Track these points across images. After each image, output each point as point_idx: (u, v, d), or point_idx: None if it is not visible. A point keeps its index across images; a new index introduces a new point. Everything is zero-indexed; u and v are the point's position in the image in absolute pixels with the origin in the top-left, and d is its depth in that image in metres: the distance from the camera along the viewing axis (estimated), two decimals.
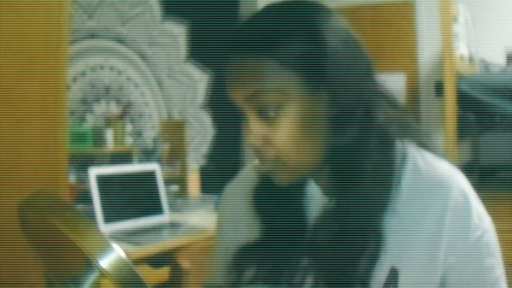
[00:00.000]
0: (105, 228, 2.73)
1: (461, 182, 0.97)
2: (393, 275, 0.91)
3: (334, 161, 0.95)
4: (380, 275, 0.90)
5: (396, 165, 0.96)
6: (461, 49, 3.64)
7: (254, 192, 1.07)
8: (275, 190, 1.01)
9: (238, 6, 4.64)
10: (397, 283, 0.90)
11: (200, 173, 4.04)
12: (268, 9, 0.96)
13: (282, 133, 0.91)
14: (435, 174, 0.97)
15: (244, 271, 1.02)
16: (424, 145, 1.02)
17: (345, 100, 0.92)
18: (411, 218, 0.93)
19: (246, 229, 1.07)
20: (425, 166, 0.98)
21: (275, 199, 1.02)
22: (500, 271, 0.96)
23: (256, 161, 1.01)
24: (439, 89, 3.55)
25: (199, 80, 4.44)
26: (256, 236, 1.04)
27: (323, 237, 0.94)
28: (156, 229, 2.81)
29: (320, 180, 1.02)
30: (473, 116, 3.35)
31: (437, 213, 0.93)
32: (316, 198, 1.02)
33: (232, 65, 0.94)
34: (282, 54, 0.89)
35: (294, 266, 0.98)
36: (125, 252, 0.69)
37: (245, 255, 1.04)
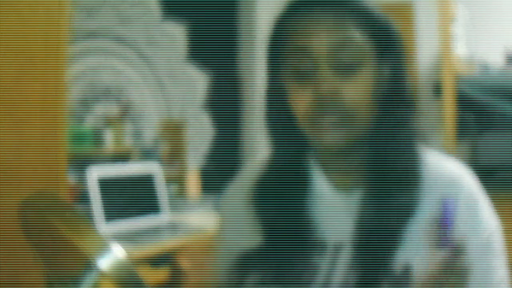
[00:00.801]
0: (105, 228, 2.73)
1: (471, 182, 0.99)
2: (407, 270, 0.92)
3: (373, 143, 0.99)
4: (395, 271, 0.92)
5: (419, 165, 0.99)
6: (460, 50, 3.64)
7: (255, 191, 1.05)
8: (277, 188, 1.01)
9: (237, 7, 4.64)
10: (410, 279, 0.91)
11: (200, 173, 4.04)
12: None
13: (356, 89, 0.94)
14: (445, 173, 0.99)
15: (247, 275, 1.01)
16: (430, 144, 1.04)
17: (401, 83, 1.00)
18: (423, 215, 0.94)
19: (248, 230, 1.05)
20: (435, 165, 1.00)
21: (277, 198, 1.01)
22: (504, 272, 0.97)
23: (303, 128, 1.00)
24: (437, 89, 3.55)
25: (199, 80, 4.44)
26: (259, 239, 1.02)
27: (371, 225, 0.95)
28: (155, 229, 2.81)
29: (334, 174, 1.03)
30: (472, 116, 3.35)
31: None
32: (325, 195, 1.02)
33: (320, 14, 0.95)
34: (364, 17, 0.95)
35: (301, 266, 0.97)
36: (124, 252, 0.69)
37: (248, 260, 1.02)
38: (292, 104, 0.98)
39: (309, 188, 1.02)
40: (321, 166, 1.04)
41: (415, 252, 0.93)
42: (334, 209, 1.00)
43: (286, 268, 0.97)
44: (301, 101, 0.96)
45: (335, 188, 1.02)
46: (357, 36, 0.93)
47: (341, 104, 0.93)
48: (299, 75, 0.96)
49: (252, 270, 1.01)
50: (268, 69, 1.04)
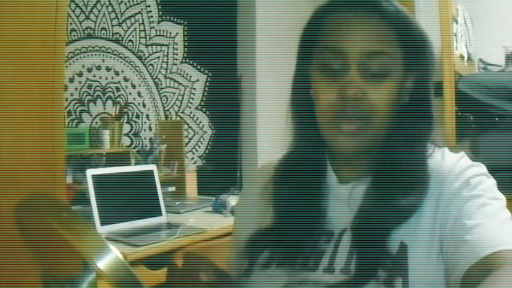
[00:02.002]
0: (102, 229, 2.72)
1: (480, 172, 1.03)
2: (403, 249, 0.95)
3: (386, 145, 1.02)
4: (391, 249, 0.95)
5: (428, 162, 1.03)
6: (460, 49, 3.64)
7: (274, 176, 1.11)
8: (296, 177, 1.07)
9: (236, 7, 4.64)
10: (406, 257, 0.94)
11: (198, 174, 4.03)
12: None
13: (382, 93, 0.97)
14: (452, 165, 1.02)
15: (257, 255, 1.06)
16: (436, 143, 1.08)
17: (424, 90, 1.03)
18: (427, 211, 0.97)
19: (263, 215, 1.10)
20: (438, 157, 1.04)
21: (293, 184, 1.07)
22: (499, 203, 0.97)
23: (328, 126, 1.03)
24: (438, 89, 3.55)
25: (197, 80, 4.43)
26: (271, 221, 1.07)
27: (369, 213, 0.99)
28: (153, 230, 2.80)
29: (339, 167, 1.08)
30: (472, 116, 3.35)
31: (436, 190, 0.98)
32: (332, 186, 1.07)
33: (351, 17, 0.99)
34: (396, 23, 0.98)
35: (309, 250, 1.01)
36: (122, 253, 0.68)
37: (259, 240, 1.08)
38: (316, 99, 1.02)
39: (323, 178, 1.08)
40: (330, 159, 1.10)
41: (409, 232, 0.96)
42: (337, 199, 1.05)
43: (295, 250, 1.01)
44: (325, 98, 1.00)
45: (338, 179, 1.08)
46: (390, 45, 0.97)
47: (363, 109, 0.97)
48: (328, 73, 1.00)
49: (263, 250, 1.06)
50: (298, 61, 1.09)
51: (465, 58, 3.83)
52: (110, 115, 3.66)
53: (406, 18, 1.00)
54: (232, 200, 3.17)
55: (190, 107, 4.40)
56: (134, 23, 3.94)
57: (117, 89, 3.82)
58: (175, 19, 4.24)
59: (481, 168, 1.04)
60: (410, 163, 1.00)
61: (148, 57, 4.05)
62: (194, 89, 4.42)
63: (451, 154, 1.06)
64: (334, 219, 1.04)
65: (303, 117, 1.08)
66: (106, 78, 3.75)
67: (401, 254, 0.94)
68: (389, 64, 0.97)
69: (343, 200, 1.04)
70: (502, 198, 0.98)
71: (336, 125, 0.99)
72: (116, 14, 3.80)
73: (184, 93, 4.35)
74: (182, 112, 4.33)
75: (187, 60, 4.35)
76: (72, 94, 3.50)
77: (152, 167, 3.19)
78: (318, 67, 1.02)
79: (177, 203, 3.49)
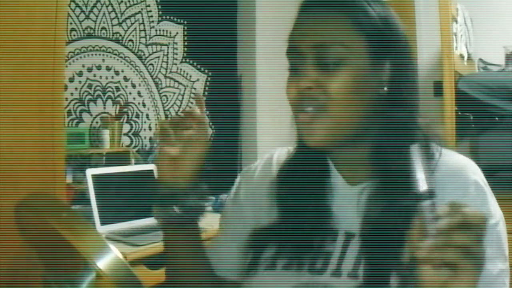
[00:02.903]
0: (102, 228, 2.72)
1: (477, 173, 1.02)
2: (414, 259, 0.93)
3: (375, 138, 1.02)
4: (405, 257, 0.91)
5: (430, 160, 1.01)
6: (460, 49, 3.64)
7: (277, 180, 1.12)
8: (299, 177, 1.08)
9: (236, 6, 4.63)
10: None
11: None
12: None
13: (338, 82, 0.97)
14: (453, 165, 1.02)
15: (261, 255, 1.06)
16: (441, 143, 1.08)
17: (403, 82, 1.03)
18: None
19: (265, 214, 1.11)
20: (444, 158, 1.03)
21: (299, 186, 1.07)
22: (506, 265, 0.96)
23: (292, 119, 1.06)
24: (438, 89, 3.55)
25: (197, 80, 4.43)
26: (276, 221, 1.08)
27: (375, 216, 0.98)
28: (153, 230, 2.80)
29: (343, 168, 1.08)
30: (472, 116, 3.35)
31: (454, 196, 0.93)
32: (339, 187, 1.07)
33: (307, 15, 1.03)
34: (357, 16, 0.98)
35: (316, 252, 1.01)
36: (122, 253, 0.68)
37: (262, 239, 1.08)
38: (287, 97, 1.05)
39: (328, 179, 1.08)
40: (332, 160, 1.10)
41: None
42: (344, 199, 1.05)
43: (302, 251, 1.01)
44: (289, 93, 1.03)
45: (345, 181, 1.07)
46: (344, 36, 0.98)
47: (317, 98, 0.98)
48: (291, 71, 1.04)
49: (267, 248, 1.06)
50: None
51: (465, 58, 3.83)
52: (110, 114, 3.66)
53: (367, 10, 1.00)
54: None
55: (190, 107, 4.39)
56: (134, 23, 3.93)
57: (117, 88, 3.82)
58: (175, 19, 4.24)
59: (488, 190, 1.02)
60: (400, 152, 0.98)
61: (148, 56, 4.05)
62: (194, 88, 4.41)
63: (465, 159, 1.05)
64: (341, 219, 1.03)
65: None
66: (106, 78, 3.75)
67: (414, 263, 0.94)
68: (343, 53, 0.97)
69: (351, 201, 1.03)
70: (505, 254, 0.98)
71: (296, 117, 1.03)
72: (116, 13, 3.80)
73: (184, 93, 4.34)
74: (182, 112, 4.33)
75: (187, 60, 4.35)
76: (72, 94, 3.50)
77: (152, 166, 3.19)
78: (288, 69, 1.06)
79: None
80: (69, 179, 3.08)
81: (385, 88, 1.02)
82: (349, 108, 0.99)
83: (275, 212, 1.09)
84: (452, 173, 1.00)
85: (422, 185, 0.81)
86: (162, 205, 1.10)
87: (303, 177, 1.08)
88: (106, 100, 3.74)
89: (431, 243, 0.74)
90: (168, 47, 4.21)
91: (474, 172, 1.01)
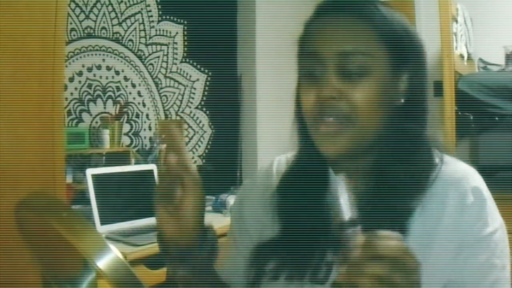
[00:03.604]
0: (102, 228, 2.72)
1: (477, 181, 1.00)
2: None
3: (384, 149, 1.01)
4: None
5: (432, 170, 1.01)
6: (460, 49, 3.64)
7: (278, 191, 1.10)
8: (300, 187, 1.06)
9: (236, 6, 4.63)
10: (419, 274, 0.92)
11: (198, 173, 4.02)
12: None
13: (361, 92, 0.96)
14: (453, 173, 1.01)
15: (264, 267, 1.04)
16: (442, 149, 1.07)
17: (419, 94, 1.03)
18: (432, 215, 0.96)
19: (268, 226, 1.09)
20: (445, 167, 1.02)
21: (299, 197, 1.05)
22: (503, 273, 0.96)
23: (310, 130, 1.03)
24: (438, 88, 3.55)
25: (197, 80, 4.43)
26: (277, 232, 1.06)
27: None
28: (153, 230, 2.80)
29: (344, 176, 1.05)
30: (472, 116, 3.35)
31: (455, 211, 0.96)
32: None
33: (327, 18, 1.00)
34: (380, 25, 0.97)
35: (317, 262, 1.00)
36: (122, 252, 0.68)
37: (265, 251, 1.06)
38: (301, 105, 1.02)
39: (327, 188, 1.03)
40: (333, 169, 1.06)
41: (424, 252, 0.93)
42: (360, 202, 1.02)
43: (304, 263, 1.00)
44: (305, 101, 1.00)
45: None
46: (368, 45, 0.96)
47: (341, 109, 0.96)
48: (308, 77, 1.00)
49: (269, 261, 1.04)
50: (298, 70, 1.08)
51: (465, 58, 3.83)
52: (110, 114, 3.66)
53: (389, 19, 0.99)
54: (232, 200, 3.17)
55: (190, 107, 4.39)
56: (134, 23, 3.93)
57: (117, 88, 3.82)
58: (175, 19, 4.24)
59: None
60: (407, 163, 0.99)
61: (148, 56, 4.05)
62: (194, 88, 4.41)
63: (466, 166, 1.05)
64: None
65: (303, 126, 1.07)
66: (106, 78, 3.75)
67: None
68: (368, 63, 0.95)
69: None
70: (506, 254, 0.98)
71: (316, 127, 1.00)
72: (116, 13, 3.80)
73: (184, 93, 4.34)
74: (182, 112, 4.33)
75: (187, 60, 4.35)
76: (72, 94, 3.50)
77: (152, 166, 3.20)
78: (301, 73, 1.03)
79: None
80: (69, 179, 3.07)
81: (402, 100, 1.01)
82: (372, 120, 0.98)
83: (277, 224, 1.08)
84: (453, 181, 0.99)
85: (346, 213, 0.82)
86: (174, 264, 1.05)
87: (303, 187, 1.06)
88: (106, 100, 3.74)
89: (346, 269, 0.76)
90: (168, 47, 4.21)
91: (474, 180, 1.00)
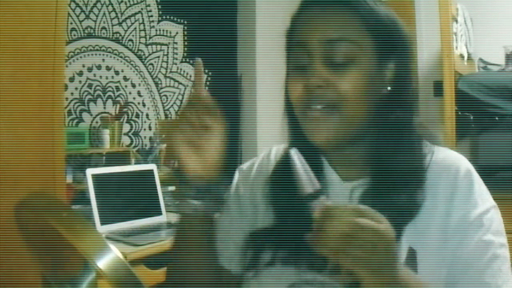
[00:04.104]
0: (102, 228, 2.72)
1: (466, 165, 1.03)
2: (411, 255, 0.95)
3: (374, 137, 1.03)
4: (399, 255, 0.94)
5: (423, 158, 1.04)
6: (460, 49, 3.64)
7: (271, 178, 1.13)
8: (293, 175, 1.06)
9: (236, 6, 4.63)
10: (416, 263, 0.95)
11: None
12: None
13: (349, 81, 0.97)
14: (442, 161, 1.03)
15: (259, 254, 1.06)
16: (435, 141, 1.09)
17: (405, 82, 1.05)
18: (426, 203, 0.98)
19: (263, 212, 1.11)
20: (435, 155, 1.04)
21: (292, 185, 1.05)
22: (501, 250, 0.97)
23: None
24: (438, 88, 3.55)
25: None
26: (271, 221, 1.08)
27: None
28: (153, 230, 2.80)
29: (338, 165, 1.09)
30: (472, 116, 3.35)
31: (446, 196, 0.98)
32: (335, 184, 1.07)
33: (313, 10, 1.01)
34: (365, 15, 0.98)
35: (312, 250, 1.00)
36: (122, 252, 0.68)
37: (260, 238, 1.08)
38: (290, 95, 1.05)
39: (322, 176, 1.07)
40: (327, 158, 1.10)
41: (418, 237, 0.96)
42: (338, 196, 1.04)
43: (298, 249, 1.00)
44: (294, 91, 1.02)
45: (340, 177, 1.08)
46: (353, 33, 0.97)
47: (328, 97, 0.98)
48: (296, 67, 1.02)
49: (265, 248, 1.06)
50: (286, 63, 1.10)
51: (465, 58, 3.83)
52: (110, 114, 3.66)
53: (375, 9, 1.00)
54: None
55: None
56: (134, 23, 3.94)
57: (117, 88, 3.82)
58: (175, 19, 4.24)
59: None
60: (399, 151, 1.01)
61: (148, 56, 4.05)
62: None
63: (456, 154, 1.07)
64: None
65: (292, 118, 1.09)
66: (106, 78, 3.75)
67: (410, 260, 0.95)
68: (353, 51, 0.97)
69: (344, 198, 1.04)
70: (502, 233, 1.00)
71: (304, 116, 1.02)
72: (116, 13, 3.80)
73: (184, 93, 4.35)
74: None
75: (187, 60, 4.35)
76: (72, 94, 3.50)
77: (152, 166, 3.19)
78: (289, 64, 1.05)
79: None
80: (69, 179, 3.07)
81: (389, 88, 1.02)
82: (359, 108, 0.99)
83: (271, 211, 1.09)
84: (443, 168, 1.02)
85: (307, 187, 0.85)
86: (185, 196, 1.08)
87: (293, 179, 1.08)
88: (106, 100, 3.74)
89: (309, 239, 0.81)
90: (168, 47, 4.21)
91: (463, 164, 1.03)
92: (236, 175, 1.29)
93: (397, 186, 0.98)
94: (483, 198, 1.00)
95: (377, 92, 1.01)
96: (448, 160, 1.04)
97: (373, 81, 1.00)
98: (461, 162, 1.03)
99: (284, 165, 1.11)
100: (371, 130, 1.02)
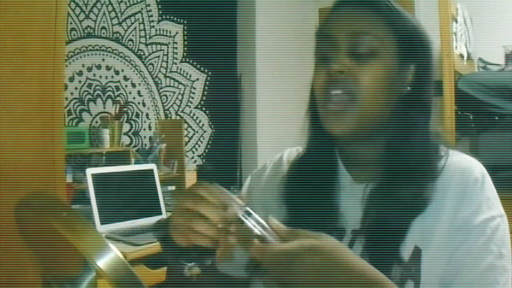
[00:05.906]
0: (102, 228, 2.72)
1: (480, 170, 1.04)
2: (416, 253, 0.96)
3: (389, 137, 1.05)
4: (404, 254, 0.96)
5: (438, 160, 1.05)
6: (460, 49, 3.63)
7: (287, 178, 1.14)
8: (308, 175, 1.10)
9: (236, 7, 4.63)
10: (420, 261, 0.95)
11: (198, 173, 4.03)
12: None
13: (368, 72, 1.01)
14: (458, 164, 1.04)
15: None
16: (449, 146, 1.10)
17: (424, 86, 1.07)
18: (434, 204, 0.99)
19: (274, 213, 1.08)
20: (451, 158, 1.06)
21: (307, 184, 1.09)
22: (500, 261, 0.97)
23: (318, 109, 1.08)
24: (437, 88, 3.54)
25: (197, 80, 4.43)
26: (284, 219, 1.06)
27: (375, 213, 1.01)
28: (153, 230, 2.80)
29: (352, 165, 1.11)
30: (472, 115, 3.34)
31: (455, 198, 0.99)
32: (346, 186, 1.09)
33: (343, 9, 1.07)
34: (391, 17, 1.04)
35: None
36: (122, 252, 0.68)
37: None
38: (314, 85, 1.08)
39: (336, 178, 1.10)
40: (342, 159, 1.13)
41: (424, 236, 0.97)
42: (351, 198, 1.07)
43: None
44: (317, 79, 1.05)
45: (353, 179, 1.10)
46: (378, 30, 1.02)
47: (348, 85, 1.01)
48: (323, 59, 1.06)
49: None
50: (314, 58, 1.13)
51: (465, 57, 3.82)
52: (110, 114, 3.66)
53: (401, 14, 1.05)
54: None
55: (190, 106, 4.39)
56: (134, 22, 3.94)
57: (117, 88, 3.83)
58: (175, 19, 4.24)
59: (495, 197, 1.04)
60: (413, 152, 1.03)
61: (148, 56, 4.05)
62: (194, 88, 4.42)
63: (471, 158, 1.08)
64: (348, 217, 1.05)
65: (314, 115, 1.11)
66: (106, 77, 3.75)
67: (414, 258, 0.96)
68: (376, 45, 1.01)
69: (357, 199, 1.05)
70: (506, 244, 0.99)
71: (324, 106, 1.04)
72: (116, 13, 3.80)
73: (184, 92, 4.35)
74: (182, 111, 4.33)
75: (187, 60, 4.35)
76: (72, 93, 3.50)
77: (152, 166, 3.19)
78: (316, 58, 1.08)
79: (176, 202, 3.48)
80: (69, 178, 3.08)
81: (409, 88, 1.05)
82: (377, 102, 1.02)
83: (283, 211, 1.09)
84: (457, 171, 1.02)
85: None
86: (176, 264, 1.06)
87: (312, 175, 1.10)
88: (106, 100, 3.74)
89: None
90: (168, 47, 4.21)
91: (477, 169, 1.03)
92: (248, 180, 1.29)
93: (409, 187, 0.99)
94: (490, 205, 1.00)
95: (395, 91, 1.04)
96: (462, 163, 1.05)
97: (392, 78, 1.03)
98: (475, 166, 1.04)
99: (303, 163, 1.14)
100: (387, 130, 1.05)
